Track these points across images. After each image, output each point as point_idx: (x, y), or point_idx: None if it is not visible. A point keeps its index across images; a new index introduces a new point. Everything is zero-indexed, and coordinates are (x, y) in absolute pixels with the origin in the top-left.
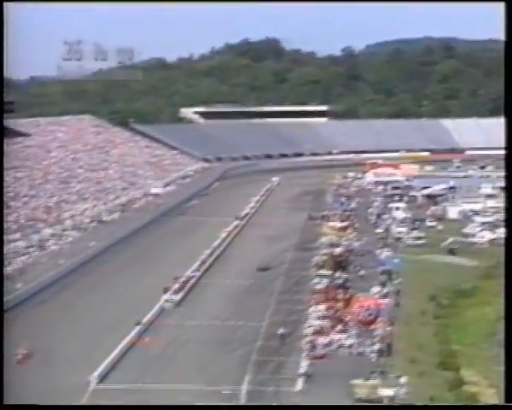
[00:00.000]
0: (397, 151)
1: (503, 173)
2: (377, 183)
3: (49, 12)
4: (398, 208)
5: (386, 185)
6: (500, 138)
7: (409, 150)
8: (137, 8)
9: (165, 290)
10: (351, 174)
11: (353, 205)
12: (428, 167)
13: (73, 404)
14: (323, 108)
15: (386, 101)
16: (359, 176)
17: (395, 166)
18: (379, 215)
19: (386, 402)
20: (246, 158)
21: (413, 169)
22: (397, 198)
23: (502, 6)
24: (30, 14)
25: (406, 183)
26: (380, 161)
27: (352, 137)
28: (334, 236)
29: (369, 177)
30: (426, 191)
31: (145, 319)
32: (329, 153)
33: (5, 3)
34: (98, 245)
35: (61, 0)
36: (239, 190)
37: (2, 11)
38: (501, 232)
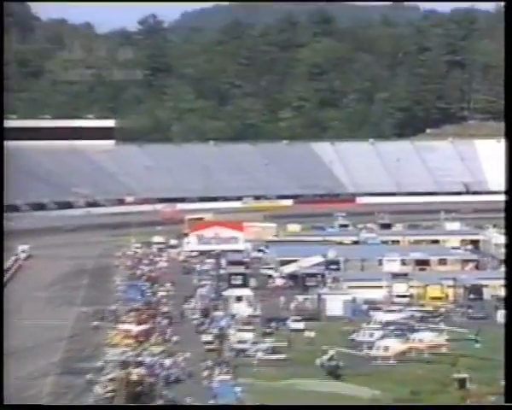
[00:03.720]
0: (239, 199)
1: (420, 236)
2: (204, 254)
3: None
4: (239, 299)
5: (220, 258)
6: (418, 175)
7: (258, 197)
8: None
9: None
10: (158, 239)
11: (162, 293)
12: (292, 227)
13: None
14: (107, 122)
15: (219, 110)
16: (173, 242)
17: (235, 226)
18: (207, 311)
19: None
20: None
21: (265, 230)
22: (238, 281)
23: None
24: None
25: (254, 254)
26: (209, 217)
27: (159, 173)
28: (130, 348)
29: (191, 243)
30: (288, 268)
31: None
32: (121, 202)
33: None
34: None
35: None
36: None
37: (3, 11)
38: (419, 338)
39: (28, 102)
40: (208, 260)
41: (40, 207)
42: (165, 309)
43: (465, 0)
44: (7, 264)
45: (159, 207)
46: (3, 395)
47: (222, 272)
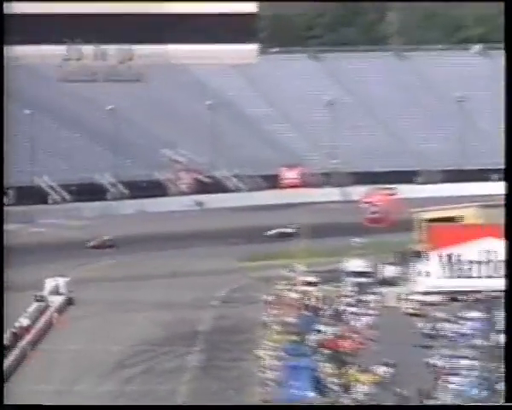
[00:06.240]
0: None
1: None
2: (459, 298)
3: None
4: None
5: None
6: None
7: None
8: None
9: None
10: (356, 265)
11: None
12: None
13: (73, 404)
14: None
15: None
16: (389, 271)
17: None
18: None
19: None
20: None
21: None
22: None
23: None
24: None
25: None
26: (470, 213)
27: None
28: None
29: (431, 274)
30: None
31: None
32: (271, 182)
33: (5, 3)
34: None
35: (61, 0)
36: None
37: (3, 11)
38: None
39: None
40: (472, 315)
41: (101, 189)
42: None
43: (466, 0)
44: None
45: (357, 191)
46: (3, 395)
47: None
